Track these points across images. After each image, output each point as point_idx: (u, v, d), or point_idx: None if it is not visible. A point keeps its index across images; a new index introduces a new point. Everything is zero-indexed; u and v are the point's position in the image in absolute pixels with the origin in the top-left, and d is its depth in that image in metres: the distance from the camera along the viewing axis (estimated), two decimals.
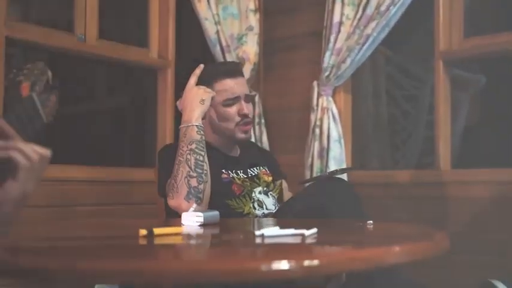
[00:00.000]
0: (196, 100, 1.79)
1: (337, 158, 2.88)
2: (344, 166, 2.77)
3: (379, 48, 3.72)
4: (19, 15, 2.85)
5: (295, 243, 1.03)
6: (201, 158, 1.73)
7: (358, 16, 2.81)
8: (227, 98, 1.94)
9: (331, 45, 2.89)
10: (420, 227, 1.36)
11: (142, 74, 3.40)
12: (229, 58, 2.99)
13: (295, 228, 1.08)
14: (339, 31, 2.87)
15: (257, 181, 2.03)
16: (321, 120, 2.92)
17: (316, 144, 2.92)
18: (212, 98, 1.85)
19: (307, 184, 1.92)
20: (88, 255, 0.92)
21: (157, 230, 1.07)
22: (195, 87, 1.82)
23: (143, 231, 1.06)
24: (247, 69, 3.03)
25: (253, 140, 3.09)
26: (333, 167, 2.85)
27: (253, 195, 1.97)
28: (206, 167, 1.74)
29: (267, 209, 1.96)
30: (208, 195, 1.74)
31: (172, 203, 1.71)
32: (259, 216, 1.94)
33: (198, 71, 1.87)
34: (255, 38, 3.08)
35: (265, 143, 3.18)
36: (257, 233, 1.06)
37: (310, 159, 2.93)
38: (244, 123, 1.96)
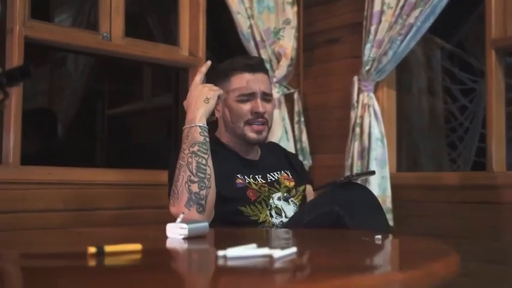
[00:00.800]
0: (201, 99, 1.65)
1: (379, 158, 2.66)
2: (371, 169, 2.55)
3: (432, 39, 3.45)
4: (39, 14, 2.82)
5: (258, 268, 0.87)
6: (204, 162, 1.59)
7: (400, 4, 2.58)
8: (241, 93, 1.80)
9: (371, 37, 2.68)
10: (436, 245, 1.16)
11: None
12: (264, 54, 2.84)
13: (271, 247, 0.92)
14: (379, 21, 2.66)
15: (277, 186, 1.87)
16: (362, 118, 2.71)
17: (357, 144, 2.72)
18: (219, 97, 1.71)
19: (322, 190, 1.74)
20: (9, 281, 0.80)
21: (109, 248, 0.95)
22: (200, 85, 1.69)
23: (92, 249, 0.93)
24: (283, 65, 2.87)
25: (291, 140, 2.93)
26: (374, 168, 2.64)
27: (270, 201, 1.81)
28: (210, 171, 1.59)
29: (286, 217, 1.80)
30: (212, 203, 1.60)
31: (173, 210, 1.58)
32: (277, 225, 1.78)
33: (204, 68, 1.73)
34: (292, 32, 2.91)
35: (304, 142, 3.01)
36: (220, 253, 0.91)
37: (350, 160, 2.74)
38: (257, 123, 1.80)
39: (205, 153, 1.60)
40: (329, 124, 3.00)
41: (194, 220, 1.28)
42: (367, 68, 2.69)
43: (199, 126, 1.62)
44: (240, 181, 1.80)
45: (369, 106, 2.70)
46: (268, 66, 2.86)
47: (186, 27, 2.79)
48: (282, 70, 2.87)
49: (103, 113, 3.94)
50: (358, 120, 2.72)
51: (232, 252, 0.91)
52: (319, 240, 1.34)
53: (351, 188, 1.58)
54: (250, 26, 2.81)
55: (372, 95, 2.72)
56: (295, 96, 3.02)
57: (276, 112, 2.88)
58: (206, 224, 1.28)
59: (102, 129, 3.89)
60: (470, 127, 3.29)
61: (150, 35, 3.34)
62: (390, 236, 1.39)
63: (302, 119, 3.02)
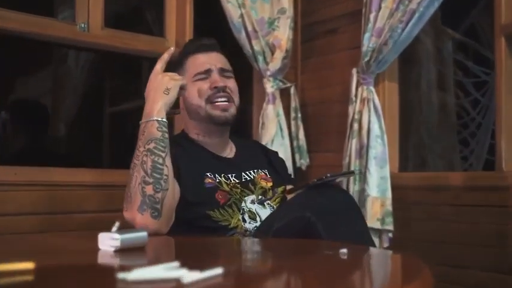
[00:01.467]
0: (160, 90, 1.47)
1: (379, 157, 2.45)
2: (369, 168, 2.32)
3: (442, 30, 3.21)
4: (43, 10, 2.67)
5: None
6: (161, 161, 1.40)
7: None
8: (196, 72, 1.67)
9: (370, 25, 2.46)
10: (412, 264, 0.95)
11: None
12: (257, 45, 2.65)
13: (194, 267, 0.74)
14: (379, 8, 2.44)
15: (251, 187, 1.68)
16: (361, 113, 2.50)
17: (355, 142, 2.51)
18: (182, 88, 1.53)
19: (294, 193, 1.54)
20: None
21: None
22: (160, 74, 1.50)
23: None
24: (277, 58, 2.67)
25: (287, 138, 2.73)
26: (373, 167, 2.43)
27: (242, 205, 1.62)
28: (168, 171, 1.41)
29: (261, 221, 1.61)
30: (170, 207, 1.42)
31: (126, 215, 1.40)
32: (250, 231, 1.59)
33: (166, 56, 1.55)
34: (288, 22, 2.71)
35: (302, 140, 2.81)
36: (119, 276, 0.73)
37: (347, 158, 2.53)
38: (219, 99, 1.64)
39: (163, 151, 1.42)
40: (328, 120, 2.80)
41: (129, 229, 1.10)
42: (367, 59, 2.48)
43: (157, 120, 1.44)
44: (210, 181, 1.62)
45: (368, 100, 2.49)
46: (261, 58, 2.67)
47: (172, 16, 2.61)
48: (276, 63, 2.68)
49: (103, 111, 3.80)
50: (356, 116, 2.51)
51: (136, 274, 0.72)
52: (276, 253, 1.15)
53: (325, 190, 1.37)
54: (241, 16, 2.62)
55: (371, 88, 2.50)
56: (292, 90, 2.82)
57: (270, 108, 2.69)
58: (144, 233, 1.10)
59: (100, 127, 3.75)
60: (482, 122, 3.05)
61: (149, 31, 3.19)
62: (365, 249, 1.18)
63: (299, 115, 2.83)
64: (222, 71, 1.69)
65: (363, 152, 2.47)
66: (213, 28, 2.89)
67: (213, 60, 1.69)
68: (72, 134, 3.58)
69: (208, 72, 1.67)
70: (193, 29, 2.60)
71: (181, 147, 1.66)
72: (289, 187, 1.83)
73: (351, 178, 2.48)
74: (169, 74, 1.52)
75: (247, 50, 2.66)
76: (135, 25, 3.30)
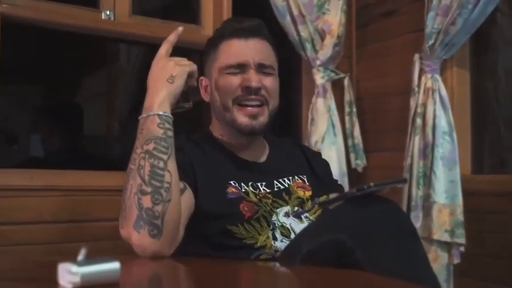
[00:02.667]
0: (163, 78, 1.21)
1: (447, 157, 2.09)
2: (435, 170, 1.94)
3: None
4: None
5: None
6: (161, 165, 1.13)
7: None
8: (228, 64, 1.37)
9: (435, 2, 2.10)
10: None
11: None
12: (304, 31, 2.35)
13: None
14: None
15: (285, 198, 1.38)
16: (424, 106, 2.15)
17: (417, 139, 2.15)
18: (191, 75, 1.26)
19: (331, 206, 1.22)
20: None
21: None
22: (163, 59, 1.24)
23: None
24: (328, 45, 2.36)
25: (340, 135, 2.41)
26: (440, 169, 2.07)
27: (273, 218, 1.33)
28: (171, 178, 1.14)
29: (289, 241, 1.31)
30: (175, 223, 1.14)
31: (122, 232, 1.15)
32: (281, 251, 1.29)
33: (172, 37, 1.28)
34: (340, 4, 2.39)
35: (357, 138, 2.48)
36: None
37: (409, 159, 2.18)
38: (250, 102, 1.35)
39: (165, 153, 1.15)
40: (387, 115, 2.45)
41: (98, 259, 0.84)
42: (431, 42, 2.12)
43: (158, 115, 1.17)
44: (233, 190, 1.34)
45: (433, 91, 2.13)
46: (309, 46, 2.36)
47: (209, 1, 2.35)
48: (326, 51, 2.36)
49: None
50: (419, 110, 2.15)
51: None
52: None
53: (367, 205, 1.05)
54: None
55: (437, 76, 2.14)
56: (346, 82, 2.49)
57: (320, 101, 2.38)
58: (115, 265, 0.83)
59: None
60: None
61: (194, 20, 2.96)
62: None
63: (354, 109, 2.50)
64: (260, 67, 1.37)
65: (428, 151, 2.12)
66: (254, 13, 2.60)
67: (252, 51, 1.37)
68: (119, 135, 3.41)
69: (242, 66, 1.36)
70: (232, 14, 2.33)
71: (200, 148, 1.39)
72: (322, 198, 1.53)
73: (413, 179, 2.13)
74: (176, 58, 1.25)
75: (293, 37, 2.36)
76: (181, 14, 3.08)
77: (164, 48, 1.25)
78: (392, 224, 1.02)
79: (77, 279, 0.79)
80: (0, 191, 1.80)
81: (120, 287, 0.83)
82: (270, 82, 1.39)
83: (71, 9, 2.04)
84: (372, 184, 1.02)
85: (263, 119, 1.37)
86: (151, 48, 2.46)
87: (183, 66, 1.22)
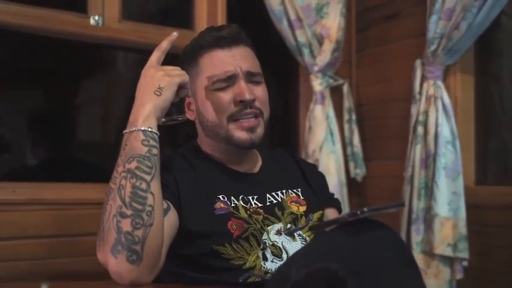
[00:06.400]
0: (150, 89, 1.12)
1: (450, 167, 2.00)
2: (437, 181, 1.83)
3: None
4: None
5: None
6: (144, 186, 1.04)
7: None
8: (216, 79, 1.25)
9: (438, 5, 2.02)
10: None
11: None
12: (302, 36, 2.27)
13: None
14: None
15: (277, 213, 1.29)
16: (426, 113, 2.06)
17: (419, 148, 2.07)
18: (184, 86, 1.17)
19: (326, 229, 1.13)
20: None
21: None
22: (153, 68, 1.15)
23: None
24: (326, 50, 2.28)
25: (339, 144, 2.32)
26: (442, 180, 1.99)
27: (264, 237, 1.24)
28: (153, 200, 1.05)
29: (278, 267, 1.21)
30: (156, 248, 1.05)
31: (99, 256, 1.06)
32: (272, 274, 1.20)
33: (165, 44, 1.19)
34: (339, 8, 2.30)
35: (356, 146, 2.39)
36: None
37: (410, 169, 2.09)
38: (246, 116, 1.25)
39: (148, 173, 1.06)
40: (388, 123, 2.37)
41: None
42: (433, 47, 2.03)
43: (143, 131, 1.08)
44: (222, 205, 1.24)
45: (435, 98, 2.04)
46: (307, 51, 2.28)
47: (202, 5, 2.27)
48: (325, 56, 2.28)
49: None
50: (421, 117, 2.07)
51: None
52: None
53: (362, 231, 0.95)
54: (283, 2, 2.24)
55: (439, 83, 2.06)
56: (345, 88, 2.41)
57: (319, 109, 2.29)
58: None
59: None
60: None
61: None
62: None
63: (354, 116, 2.41)
64: (249, 76, 1.27)
65: (430, 161, 2.03)
66: (250, 18, 2.52)
67: (237, 60, 1.26)
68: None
69: (231, 79, 1.25)
70: (227, 19, 2.25)
71: (187, 162, 1.30)
72: (330, 211, 1.44)
73: (414, 190, 2.05)
74: (167, 68, 1.16)
75: (290, 43, 2.29)
76: (174, 19, 3.01)
77: (155, 56, 1.16)
78: (388, 253, 0.93)
79: None
80: None
81: None
82: (261, 92, 1.29)
83: (58, 15, 1.97)
84: (365, 209, 0.93)
85: (260, 130, 1.28)
86: (143, 54, 2.39)
87: (173, 77, 1.13)
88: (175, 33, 1.21)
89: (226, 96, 1.25)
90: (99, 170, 2.57)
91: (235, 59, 1.26)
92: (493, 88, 2.52)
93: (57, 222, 1.83)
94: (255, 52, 1.34)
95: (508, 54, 2.68)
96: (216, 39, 1.27)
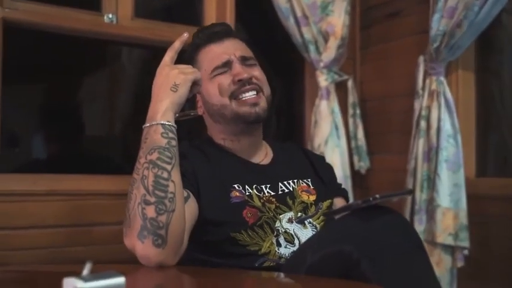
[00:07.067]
0: (166, 86, 1.20)
1: (451, 160, 2.07)
2: (439, 173, 1.91)
3: None
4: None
5: None
6: (165, 175, 1.12)
7: None
8: (214, 66, 1.39)
9: (440, 4, 2.08)
10: None
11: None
12: (308, 33, 2.34)
13: None
14: None
15: (289, 202, 1.38)
16: (429, 109, 2.14)
17: (422, 142, 2.14)
18: (197, 83, 1.25)
19: (336, 216, 1.21)
20: None
21: None
22: (167, 67, 1.23)
23: None
24: (332, 47, 2.35)
25: (344, 138, 2.40)
26: (444, 172, 2.06)
27: (277, 225, 1.32)
28: (175, 188, 1.13)
29: (296, 249, 1.30)
30: (180, 232, 1.13)
31: (126, 242, 1.14)
32: (286, 257, 1.28)
33: (177, 44, 1.27)
34: (344, 6, 2.37)
35: (361, 140, 2.47)
36: None
37: (413, 162, 2.16)
38: (246, 92, 1.37)
39: (168, 163, 1.14)
40: (391, 117, 2.44)
41: (103, 274, 0.83)
42: (436, 44, 2.10)
43: (162, 124, 1.16)
44: (237, 194, 1.33)
45: (438, 94, 2.11)
46: (313, 48, 2.35)
47: (211, 3, 2.34)
48: (330, 53, 2.35)
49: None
50: (423, 112, 2.14)
51: None
52: None
53: (373, 215, 1.04)
54: (289, 0, 2.31)
55: (442, 79, 2.13)
56: (349, 84, 2.49)
57: (324, 104, 2.37)
58: (120, 280, 0.82)
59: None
60: None
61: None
62: None
63: (358, 111, 2.49)
64: (243, 60, 1.40)
65: (432, 154, 2.10)
66: (258, 16, 2.59)
67: (230, 48, 1.40)
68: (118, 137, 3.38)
69: (227, 64, 1.39)
70: (235, 16, 2.32)
71: (203, 153, 1.39)
72: (339, 200, 1.52)
73: (417, 182, 2.12)
74: (180, 66, 1.24)
75: (296, 39, 2.35)
76: (184, 15, 3.07)
77: (169, 56, 1.24)
78: (398, 236, 1.01)
79: None
80: (2, 196, 1.80)
81: None
82: (257, 72, 1.42)
83: (72, 13, 2.03)
84: (377, 196, 1.01)
85: (263, 104, 1.39)
86: (154, 50, 2.46)
87: (187, 75, 1.21)
88: (186, 34, 1.31)
89: (225, 79, 1.38)
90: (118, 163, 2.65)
91: (228, 48, 1.40)
92: (493, 84, 2.59)
93: (74, 212, 1.90)
94: (248, 44, 1.47)
95: (508, 51, 2.76)
96: (209, 36, 1.43)
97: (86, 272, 0.83)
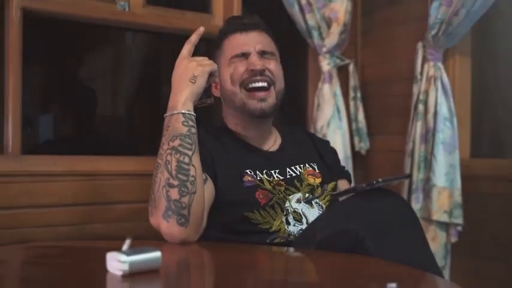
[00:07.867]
0: (185, 78, 1.30)
1: (447, 142, 2.19)
2: (435, 155, 2.03)
3: None
4: None
5: None
6: (187, 160, 1.24)
7: None
8: (233, 55, 1.49)
9: None
10: None
11: None
12: (311, 20, 2.43)
13: None
14: None
15: (297, 185, 1.49)
16: (426, 92, 2.24)
17: (419, 125, 2.25)
18: (213, 74, 1.35)
19: (341, 198, 1.33)
20: None
21: None
22: (186, 60, 1.33)
23: None
24: (334, 32, 2.44)
25: (345, 120, 2.51)
26: (440, 153, 2.18)
27: (286, 205, 1.44)
28: (195, 172, 1.24)
29: (308, 223, 1.42)
30: (200, 212, 1.26)
31: (152, 221, 1.26)
32: (294, 235, 1.41)
33: (194, 37, 1.37)
34: None
35: (361, 122, 2.58)
36: None
37: (411, 143, 2.28)
38: (256, 83, 1.46)
39: (189, 149, 1.25)
40: (391, 100, 2.55)
41: (142, 248, 0.95)
42: (434, 32, 2.20)
43: (182, 113, 1.27)
44: (249, 179, 1.45)
45: (435, 78, 2.22)
46: (316, 34, 2.45)
47: None
48: (333, 38, 2.45)
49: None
50: (421, 96, 2.25)
51: None
52: (313, 274, 0.96)
53: (376, 197, 1.16)
54: None
55: (439, 64, 2.23)
56: (351, 68, 2.59)
57: (326, 87, 2.47)
58: (157, 254, 0.94)
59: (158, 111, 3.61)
60: None
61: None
62: (423, 279, 0.97)
63: (359, 94, 2.59)
64: (262, 54, 1.49)
65: (429, 136, 2.22)
66: (263, 3, 2.67)
67: (252, 41, 1.50)
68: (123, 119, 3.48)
69: (245, 55, 1.49)
70: (242, 4, 2.40)
71: (219, 140, 1.50)
72: (343, 182, 1.65)
73: (415, 163, 2.24)
74: (198, 58, 1.34)
75: (300, 26, 2.44)
76: (192, 2, 3.14)
77: (186, 49, 1.34)
78: (398, 216, 1.13)
79: (125, 267, 0.90)
80: (25, 176, 1.91)
81: (161, 273, 0.94)
82: (273, 65, 1.50)
83: (86, 2, 2.11)
84: (380, 179, 1.13)
85: (271, 100, 1.48)
86: (163, 36, 2.55)
87: (205, 66, 1.32)
88: (202, 28, 1.40)
89: (241, 67, 1.47)
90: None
91: (251, 40, 1.49)
92: (488, 70, 2.70)
93: (92, 191, 2.02)
94: (273, 39, 1.55)
95: (503, 37, 2.86)
96: (237, 25, 1.52)
97: (125, 247, 0.95)
